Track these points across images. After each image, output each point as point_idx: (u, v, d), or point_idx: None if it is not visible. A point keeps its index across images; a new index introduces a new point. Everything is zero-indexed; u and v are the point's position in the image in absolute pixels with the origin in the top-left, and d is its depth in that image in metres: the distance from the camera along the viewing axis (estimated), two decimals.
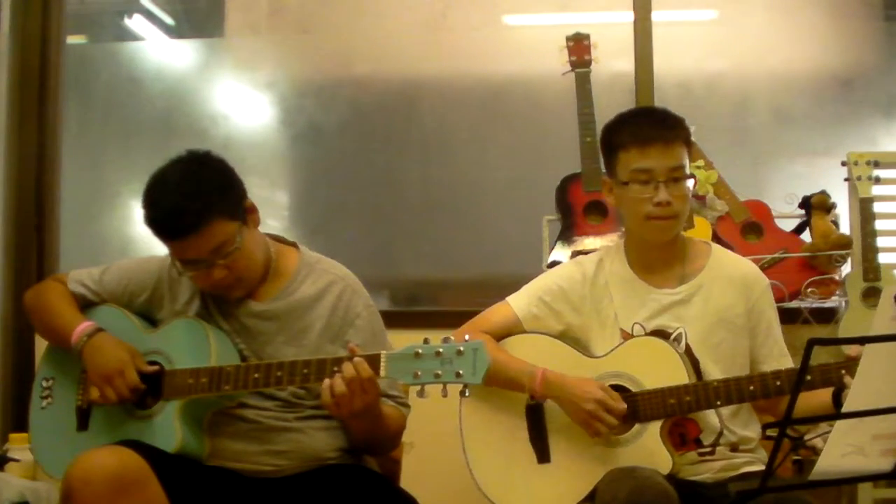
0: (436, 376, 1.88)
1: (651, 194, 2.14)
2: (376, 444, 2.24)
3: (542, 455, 2.24)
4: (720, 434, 2.16)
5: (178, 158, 2.14)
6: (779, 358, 2.21)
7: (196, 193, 2.06)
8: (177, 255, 2.12)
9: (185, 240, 2.06)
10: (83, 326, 2.19)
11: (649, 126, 2.18)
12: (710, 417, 2.16)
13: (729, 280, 2.23)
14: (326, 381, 1.98)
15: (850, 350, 2.06)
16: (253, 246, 2.16)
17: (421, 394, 1.91)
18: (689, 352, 2.18)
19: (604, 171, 2.31)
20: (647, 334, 2.20)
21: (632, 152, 2.16)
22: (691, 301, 2.21)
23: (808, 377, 2.01)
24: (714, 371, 2.16)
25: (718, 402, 2.11)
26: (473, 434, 2.31)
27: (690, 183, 2.18)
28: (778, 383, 2.07)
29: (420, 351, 1.91)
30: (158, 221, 2.08)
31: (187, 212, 2.04)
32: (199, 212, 2.04)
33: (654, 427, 2.12)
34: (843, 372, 1.98)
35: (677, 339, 2.19)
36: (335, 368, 1.99)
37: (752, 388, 2.08)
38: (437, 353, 1.89)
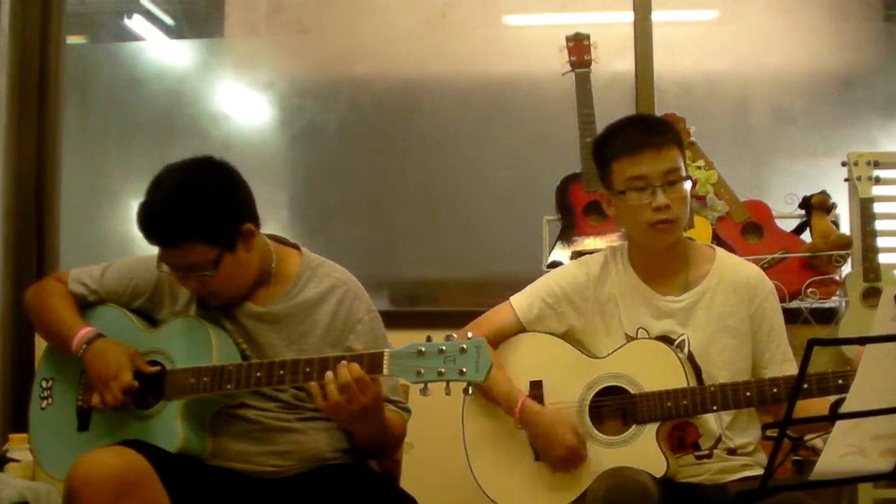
0: (439, 374, 1.88)
1: (649, 200, 2.13)
2: (379, 450, 2.24)
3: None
4: (718, 440, 2.16)
5: (191, 163, 2.13)
6: (781, 363, 2.20)
7: (183, 210, 2.05)
8: (159, 253, 2.14)
9: (160, 246, 2.10)
10: (83, 333, 2.18)
11: (638, 133, 2.18)
12: (710, 422, 2.16)
13: (732, 285, 2.22)
14: (314, 386, 1.98)
15: (853, 353, 2.05)
16: (233, 270, 2.12)
17: (424, 392, 1.90)
18: (691, 359, 2.18)
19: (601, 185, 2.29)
20: (650, 338, 2.21)
21: (624, 161, 2.15)
22: (695, 309, 2.21)
23: (805, 385, 2.01)
24: (718, 378, 2.16)
25: (715, 407, 2.11)
26: (474, 429, 2.31)
27: (688, 185, 2.18)
28: (775, 390, 2.07)
29: (423, 349, 1.90)
30: (142, 221, 2.09)
31: (168, 225, 2.06)
32: (179, 228, 2.05)
33: (651, 429, 2.13)
34: (841, 381, 1.98)
35: (680, 346, 2.19)
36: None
37: (748, 394, 2.08)
38: (440, 351, 1.88)
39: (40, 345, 2.41)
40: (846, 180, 3.17)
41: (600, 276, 2.28)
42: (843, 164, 3.16)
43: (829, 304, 3.18)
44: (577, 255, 3.04)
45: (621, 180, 2.16)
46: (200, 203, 2.07)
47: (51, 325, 2.27)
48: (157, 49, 4.06)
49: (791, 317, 3.00)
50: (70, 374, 2.26)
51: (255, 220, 2.16)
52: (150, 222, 2.08)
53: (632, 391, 2.16)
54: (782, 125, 3.65)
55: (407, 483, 2.28)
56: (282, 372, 2.04)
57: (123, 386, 2.09)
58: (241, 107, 3.94)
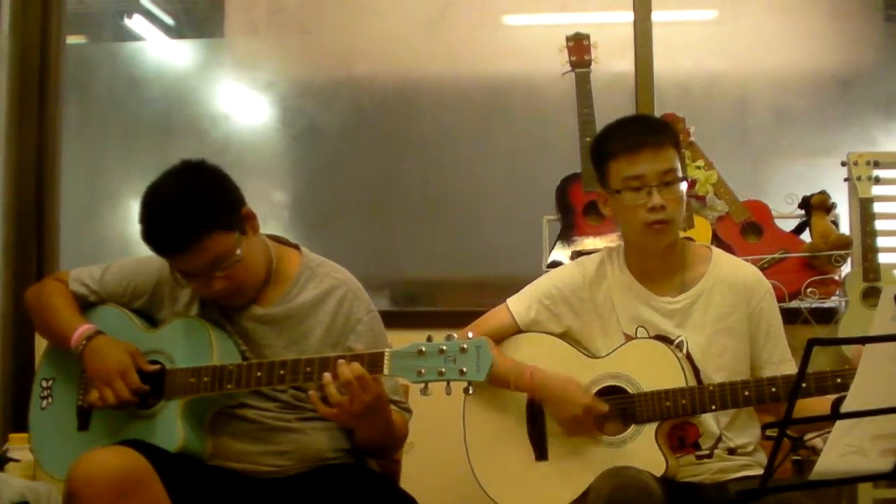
0: (440, 374, 1.88)
1: (644, 200, 2.13)
2: (381, 450, 2.25)
3: (540, 452, 2.25)
4: (718, 439, 2.16)
5: (172, 170, 2.13)
6: (779, 363, 2.20)
7: (189, 208, 2.04)
8: (176, 268, 2.12)
9: (180, 255, 2.06)
10: (82, 329, 2.18)
11: (636, 132, 2.18)
12: (710, 422, 2.16)
13: (729, 286, 2.22)
14: (314, 396, 1.99)
15: (852, 353, 2.05)
16: (254, 254, 2.14)
17: (424, 391, 1.90)
18: (690, 360, 2.18)
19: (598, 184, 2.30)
20: (649, 338, 2.21)
21: (621, 161, 2.15)
22: (691, 310, 2.21)
23: (804, 385, 2.01)
24: (716, 379, 2.15)
25: (714, 407, 2.11)
26: (475, 428, 2.32)
27: (684, 186, 2.18)
28: (773, 390, 2.07)
29: (423, 349, 1.90)
30: (153, 238, 2.07)
31: (180, 228, 2.03)
32: (192, 227, 2.03)
33: (650, 429, 2.13)
34: (840, 380, 1.98)
35: (679, 347, 2.19)
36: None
37: (747, 393, 2.09)
38: (441, 351, 1.89)
39: (40, 345, 2.41)
40: (846, 180, 3.17)
41: (596, 276, 2.28)
42: (843, 163, 3.16)
43: (828, 303, 3.19)
44: (576, 255, 3.05)
45: (618, 180, 2.16)
46: (203, 197, 2.07)
47: (50, 322, 2.27)
48: (157, 49, 4.06)
49: (791, 317, 3.01)
50: (70, 373, 2.26)
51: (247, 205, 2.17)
52: (162, 235, 2.06)
53: (631, 391, 2.16)
54: (782, 125, 3.65)
55: (407, 483, 2.28)
56: (282, 371, 2.04)
57: (133, 387, 2.09)
58: (241, 107, 3.94)
